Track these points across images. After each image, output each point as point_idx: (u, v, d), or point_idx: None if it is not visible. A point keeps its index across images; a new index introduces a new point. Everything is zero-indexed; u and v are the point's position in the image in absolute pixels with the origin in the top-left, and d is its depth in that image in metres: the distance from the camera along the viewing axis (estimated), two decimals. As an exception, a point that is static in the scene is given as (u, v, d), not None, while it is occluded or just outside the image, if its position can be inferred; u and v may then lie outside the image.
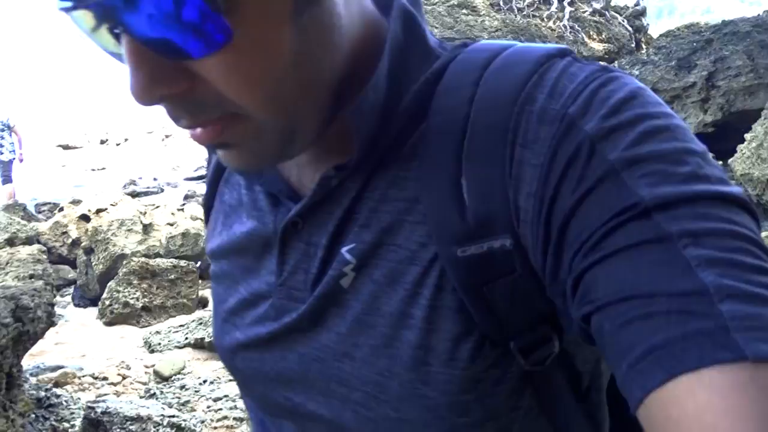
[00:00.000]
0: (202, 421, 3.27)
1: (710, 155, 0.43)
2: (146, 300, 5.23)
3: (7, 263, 3.65)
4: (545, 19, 11.76)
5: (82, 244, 6.21)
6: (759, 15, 7.53)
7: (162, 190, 11.97)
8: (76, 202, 7.39)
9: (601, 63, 0.49)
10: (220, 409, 3.49)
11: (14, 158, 10.27)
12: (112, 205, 6.59)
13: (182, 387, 3.80)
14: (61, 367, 4.11)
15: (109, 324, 5.16)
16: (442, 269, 0.48)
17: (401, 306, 0.50)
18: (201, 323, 4.63)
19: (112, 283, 5.34)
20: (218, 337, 0.64)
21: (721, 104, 7.01)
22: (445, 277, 0.48)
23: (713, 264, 0.36)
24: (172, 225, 6.41)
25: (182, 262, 5.49)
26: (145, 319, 5.19)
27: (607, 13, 12.44)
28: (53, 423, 3.11)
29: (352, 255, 0.52)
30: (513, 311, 0.48)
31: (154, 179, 13.40)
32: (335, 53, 0.46)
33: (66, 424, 3.12)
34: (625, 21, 12.55)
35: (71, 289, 6.22)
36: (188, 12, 0.37)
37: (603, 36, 11.94)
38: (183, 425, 3.02)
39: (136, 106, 0.43)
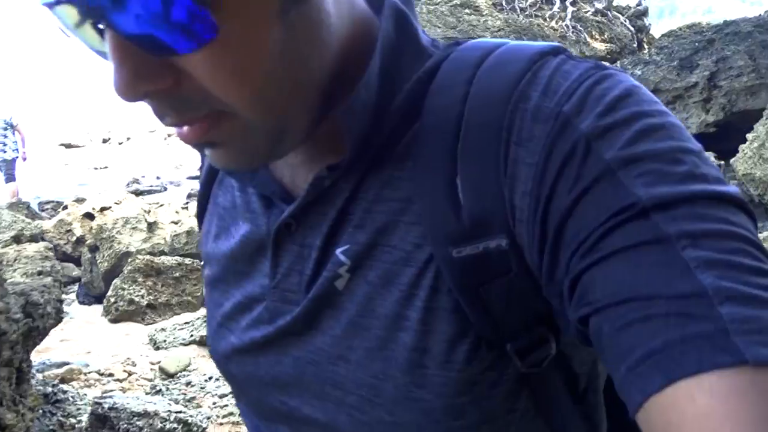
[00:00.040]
0: (208, 417, 3.30)
1: (706, 154, 0.43)
2: (151, 297, 5.26)
3: (15, 260, 3.67)
4: (547, 19, 11.78)
5: (87, 242, 6.24)
6: (761, 15, 7.53)
7: (165, 189, 12.01)
8: (80, 201, 7.42)
9: (595, 60, 0.49)
10: (226, 406, 3.52)
11: (17, 156, 10.29)
12: (116, 203, 6.62)
13: (188, 383, 3.83)
14: (67, 364, 4.13)
15: (114, 321, 5.19)
16: (437, 270, 0.48)
17: (396, 308, 0.49)
18: (206, 321, 4.65)
19: (117, 281, 5.38)
20: (213, 342, 0.64)
21: (723, 104, 7.03)
22: (440, 278, 0.48)
23: (712, 266, 0.36)
24: (176, 223, 6.43)
25: (187, 260, 5.52)
26: (150, 317, 5.22)
27: (609, 13, 12.46)
28: (60, 418, 3.13)
29: (347, 256, 0.51)
30: (509, 312, 0.47)
31: (157, 178, 13.44)
32: (324, 51, 0.46)
33: (72, 420, 3.15)
34: (627, 21, 12.56)
35: (75, 287, 6.24)
36: (177, 12, 0.37)
37: (605, 36, 11.96)
38: (190, 421, 3.05)
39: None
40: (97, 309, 5.59)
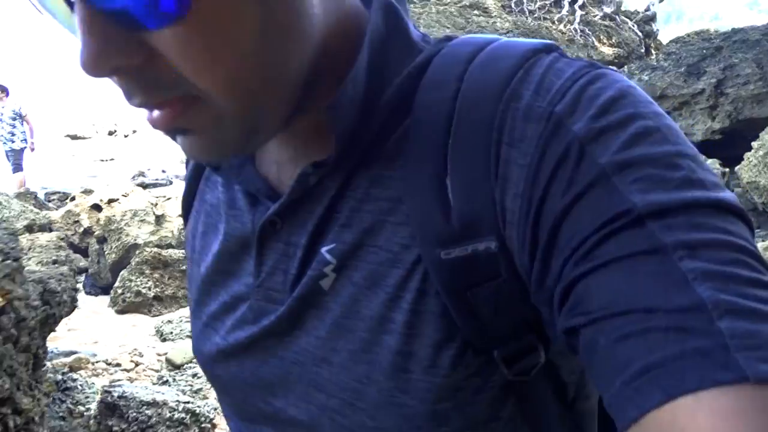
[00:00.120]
0: (215, 408, 3.34)
1: (708, 159, 0.44)
2: (158, 290, 5.32)
3: (30, 249, 3.73)
4: (556, 22, 11.81)
5: (95, 233, 6.30)
6: (769, 24, 7.56)
7: (171, 182, 12.05)
8: (87, 192, 7.48)
9: (589, 59, 0.48)
10: (232, 398, 3.55)
11: (25, 147, 10.37)
12: (123, 195, 6.67)
13: (194, 375, 3.87)
14: (75, 353, 4.18)
15: (120, 312, 5.25)
16: (425, 272, 0.47)
17: (382, 310, 0.48)
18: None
19: (124, 272, 5.44)
20: (198, 343, 0.62)
21: (729, 111, 7.07)
22: (428, 280, 0.47)
23: (710, 277, 0.35)
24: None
25: (194, 254, 5.56)
26: (156, 309, 5.28)
27: (617, 17, 12.48)
28: (69, 406, 3.18)
29: (333, 255, 0.50)
30: (497, 318, 0.46)
31: (163, 171, 13.50)
32: (305, 41, 0.43)
33: (81, 408, 3.19)
34: (635, 26, 12.58)
35: (82, 277, 6.30)
36: None
37: (613, 40, 12.00)
38: (197, 411, 3.09)
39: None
40: (104, 300, 5.65)
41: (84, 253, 6.54)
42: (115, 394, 3.01)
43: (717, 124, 7.12)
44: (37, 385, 2.30)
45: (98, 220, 6.46)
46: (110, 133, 22.30)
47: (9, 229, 2.16)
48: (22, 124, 10.26)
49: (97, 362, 4.12)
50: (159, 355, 4.30)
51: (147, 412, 2.99)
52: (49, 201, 9.30)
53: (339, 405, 0.50)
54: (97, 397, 3.15)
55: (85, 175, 12.94)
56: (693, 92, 7.33)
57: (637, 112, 0.41)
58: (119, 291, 5.33)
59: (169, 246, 6.00)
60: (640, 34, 12.47)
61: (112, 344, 4.51)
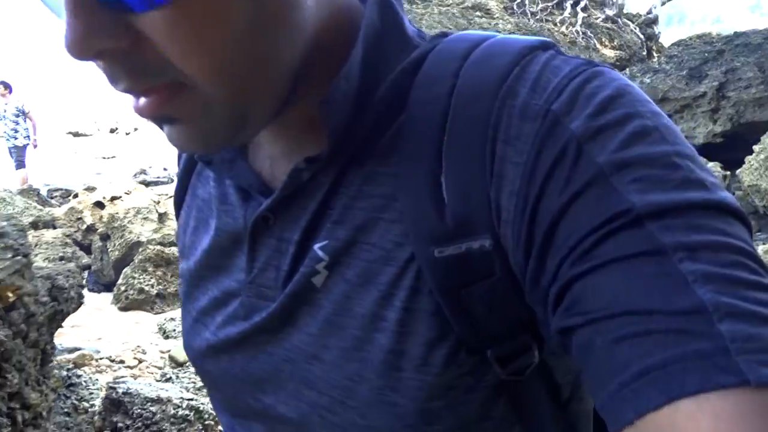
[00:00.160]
0: (218, 405, 3.36)
1: (700, 158, 0.41)
2: (161, 287, 5.35)
3: (36, 245, 3.75)
4: (558, 24, 11.83)
5: (99, 231, 6.32)
6: (771, 27, 7.59)
7: (172, 180, 12.05)
8: (90, 189, 7.50)
9: (586, 58, 0.47)
10: (235, 395, 3.58)
11: (28, 144, 10.39)
12: (126, 193, 6.70)
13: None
14: (79, 349, 4.21)
15: (123, 309, 5.28)
16: (418, 270, 0.46)
17: (374, 308, 0.47)
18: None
19: (127, 270, 5.47)
20: (188, 338, 0.61)
21: (731, 115, 7.09)
22: (421, 278, 0.46)
23: (710, 280, 0.35)
24: (186, 215, 6.50)
25: (196, 252, 5.59)
26: (159, 306, 5.30)
27: (619, 20, 12.50)
28: (74, 402, 3.21)
29: (325, 252, 0.50)
30: (491, 317, 0.46)
31: (164, 169, 13.51)
32: (296, 32, 0.43)
33: (86, 404, 3.22)
34: (637, 29, 12.61)
35: (85, 274, 6.32)
36: None
37: (615, 43, 12.02)
38: (201, 408, 3.11)
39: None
40: (107, 297, 5.68)
41: (87, 250, 6.56)
42: (120, 391, 3.03)
43: (718, 128, 7.15)
44: (44, 381, 2.33)
45: (101, 217, 6.48)
46: (112, 131, 22.33)
47: (18, 226, 2.19)
48: (25, 121, 10.29)
49: (100, 359, 4.15)
50: (162, 352, 4.33)
51: (151, 408, 3.01)
52: (52, 198, 9.32)
53: (330, 403, 0.50)
54: (101, 394, 3.17)
55: (87, 173, 12.96)
56: (695, 95, 7.35)
57: (635, 111, 0.41)
58: (122, 288, 5.36)
59: (172, 244, 6.01)
60: (642, 36, 12.50)
61: (115, 341, 4.53)
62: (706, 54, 7.57)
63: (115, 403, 3.01)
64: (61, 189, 9.93)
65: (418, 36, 0.52)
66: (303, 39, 0.43)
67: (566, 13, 12.06)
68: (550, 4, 12.14)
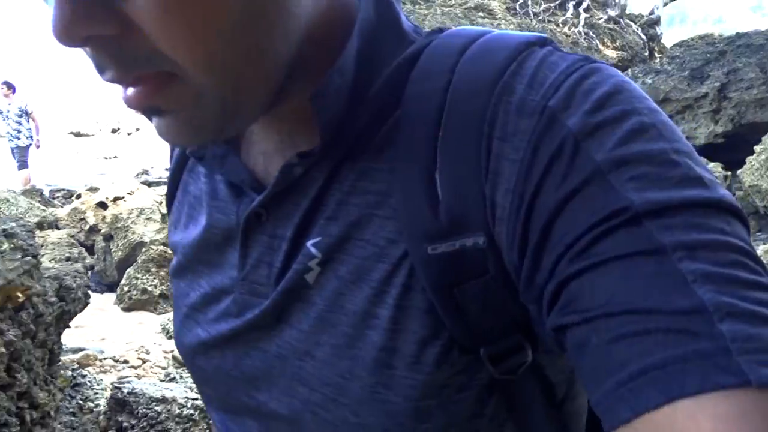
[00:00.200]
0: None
1: (697, 155, 0.42)
2: (164, 287, 5.36)
3: (42, 246, 3.77)
4: (560, 25, 11.86)
5: (102, 231, 6.35)
6: (773, 28, 7.60)
7: (174, 181, 12.06)
8: (93, 190, 7.52)
9: (583, 54, 0.47)
10: (239, 395, 3.59)
11: (31, 144, 10.42)
12: (129, 193, 6.72)
13: (201, 372, 3.89)
14: (83, 349, 4.22)
15: (127, 310, 5.30)
16: (411, 268, 0.46)
17: (366, 305, 0.47)
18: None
19: (130, 270, 5.48)
20: (179, 334, 0.61)
21: (732, 116, 7.10)
22: (414, 276, 0.46)
23: (710, 279, 0.34)
24: (189, 215, 6.52)
25: (200, 252, 5.61)
26: (162, 306, 5.32)
27: (621, 20, 12.52)
28: (79, 401, 3.22)
29: (318, 249, 0.49)
30: (484, 316, 0.45)
31: (166, 169, 13.43)
32: (290, 23, 0.42)
33: (91, 404, 3.24)
34: (639, 29, 12.62)
35: (88, 274, 6.35)
36: None
37: (617, 43, 12.04)
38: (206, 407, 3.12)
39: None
40: (110, 297, 5.69)
41: (89, 250, 6.57)
42: (125, 390, 3.04)
43: (720, 128, 7.16)
44: (52, 380, 2.35)
45: (104, 217, 6.50)
46: (113, 131, 22.36)
47: (26, 227, 2.21)
48: (27, 121, 10.31)
49: (104, 359, 4.16)
50: (165, 352, 4.34)
51: (156, 408, 3.02)
52: (54, 198, 9.34)
53: (322, 400, 0.49)
54: (106, 394, 3.18)
55: (89, 173, 12.98)
56: (696, 96, 7.36)
57: (632, 107, 0.41)
58: (125, 289, 5.38)
59: (176, 244, 6.04)
60: (644, 37, 12.51)
61: (119, 341, 4.54)
62: (708, 55, 7.58)
63: (121, 402, 3.03)
64: (63, 189, 9.94)
65: (414, 31, 0.52)
66: (297, 31, 0.43)
67: (569, 14, 12.08)
68: (552, 4, 12.17)
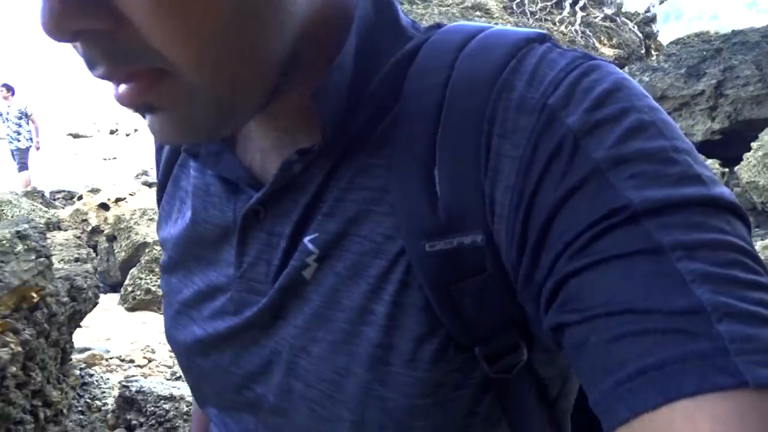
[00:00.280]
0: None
1: (697, 152, 0.41)
2: (167, 287, 5.40)
3: (50, 247, 3.81)
4: (557, 24, 11.90)
5: (105, 232, 6.39)
6: (769, 25, 7.66)
7: (174, 181, 12.09)
8: (94, 191, 7.56)
9: (583, 51, 0.46)
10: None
11: (31, 146, 10.43)
12: (130, 194, 6.76)
13: (207, 371, 3.93)
14: (89, 349, 4.26)
15: (131, 309, 5.34)
16: (408, 264, 0.46)
17: (363, 301, 0.47)
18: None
19: (134, 270, 5.53)
20: (171, 330, 0.60)
21: (729, 112, 7.16)
22: (411, 273, 0.46)
23: (708, 279, 0.34)
24: (191, 216, 6.57)
25: (202, 252, 5.65)
26: (166, 306, 5.36)
27: (617, 18, 12.56)
28: (87, 400, 3.27)
29: (315, 245, 0.49)
30: (481, 314, 0.45)
31: (166, 170, 13.51)
32: (286, 21, 0.41)
33: (99, 402, 3.28)
34: (636, 27, 12.67)
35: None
36: None
37: (613, 42, 12.09)
38: (213, 405, 3.16)
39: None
40: (113, 297, 5.73)
41: (93, 251, 6.62)
42: (133, 389, 3.07)
43: (717, 125, 7.22)
44: (64, 379, 2.39)
45: (106, 218, 6.54)
46: (112, 132, 22.37)
47: (38, 228, 2.25)
48: (27, 123, 10.32)
49: (110, 359, 4.20)
50: (170, 351, 4.36)
51: (165, 406, 3.06)
52: (55, 200, 9.36)
53: (318, 396, 0.49)
54: (114, 392, 3.22)
55: (88, 174, 13.01)
56: (693, 93, 7.42)
57: (632, 105, 0.40)
58: (129, 289, 5.43)
59: (178, 244, 6.08)
60: (640, 35, 12.56)
61: (124, 341, 4.59)
62: (705, 52, 7.64)
63: (129, 401, 3.07)
64: (64, 191, 9.96)
65: (413, 27, 0.52)
66: (292, 29, 0.42)
67: (565, 13, 12.12)
68: (549, 3, 12.21)
